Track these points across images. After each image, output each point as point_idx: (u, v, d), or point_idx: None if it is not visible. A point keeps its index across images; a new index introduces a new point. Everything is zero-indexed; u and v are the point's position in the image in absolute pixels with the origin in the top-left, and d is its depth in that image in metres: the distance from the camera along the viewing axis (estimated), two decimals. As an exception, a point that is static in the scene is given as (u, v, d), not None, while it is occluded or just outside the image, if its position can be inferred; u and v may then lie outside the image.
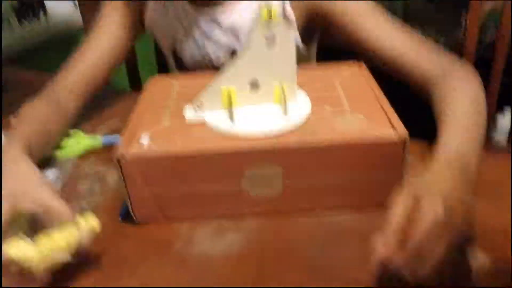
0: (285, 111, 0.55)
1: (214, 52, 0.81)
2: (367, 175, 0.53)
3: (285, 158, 0.53)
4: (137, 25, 0.86)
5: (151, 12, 0.84)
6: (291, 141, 0.52)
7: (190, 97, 0.58)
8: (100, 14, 0.84)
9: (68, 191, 0.65)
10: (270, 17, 0.53)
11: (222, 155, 0.52)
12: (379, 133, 0.52)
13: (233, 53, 0.79)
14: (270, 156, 0.52)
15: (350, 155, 0.52)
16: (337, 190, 0.54)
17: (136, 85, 1.20)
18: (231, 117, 0.55)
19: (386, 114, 0.55)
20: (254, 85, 0.57)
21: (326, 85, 0.62)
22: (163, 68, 1.17)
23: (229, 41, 0.78)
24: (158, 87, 0.66)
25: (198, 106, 0.57)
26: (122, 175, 0.53)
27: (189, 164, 0.52)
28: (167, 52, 0.89)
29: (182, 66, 0.87)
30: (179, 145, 0.53)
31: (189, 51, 0.84)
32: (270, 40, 0.55)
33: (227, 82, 0.57)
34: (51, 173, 0.69)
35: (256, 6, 0.67)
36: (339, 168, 0.53)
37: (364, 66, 0.66)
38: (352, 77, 0.64)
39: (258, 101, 0.58)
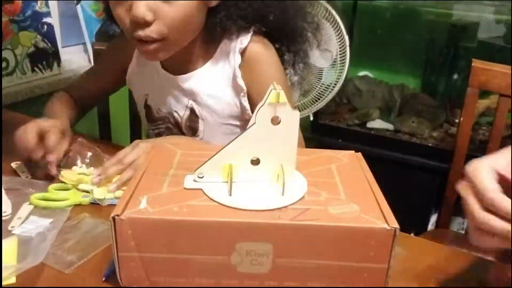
0: (283, 191, 0.57)
1: (177, 109, 0.98)
2: (355, 261, 0.54)
3: (276, 235, 0.53)
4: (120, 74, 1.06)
5: (132, 68, 1.03)
6: (284, 219, 0.53)
7: (191, 167, 0.60)
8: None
9: (58, 242, 0.65)
10: (278, 100, 0.56)
11: (214, 226, 0.53)
12: (371, 221, 0.53)
13: (191, 111, 0.96)
14: (262, 231, 0.53)
15: (340, 239, 0.53)
16: (325, 272, 0.55)
17: (106, 133, 1.27)
18: (229, 190, 0.57)
19: (379, 205, 0.56)
20: (255, 162, 0.59)
21: (324, 170, 0.64)
22: (134, 119, 1.26)
23: (188, 100, 0.96)
24: (161, 154, 0.68)
25: (198, 177, 0.59)
26: (115, 234, 0.53)
27: (183, 231, 0.53)
28: (139, 105, 1.05)
29: (151, 119, 1.03)
30: (174, 212, 0.54)
31: (158, 106, 1.00)
32: (275, 122, 0.57)
33: (229, 156, 0.59)
34: (46, 222, 0.69)
35: (209, 72, 0.93)
36: (329, 250, 0.54)
37: (361, 156, 0.69)
38: (350, 165, 0.66)
39: (257, 178, 0.60)
